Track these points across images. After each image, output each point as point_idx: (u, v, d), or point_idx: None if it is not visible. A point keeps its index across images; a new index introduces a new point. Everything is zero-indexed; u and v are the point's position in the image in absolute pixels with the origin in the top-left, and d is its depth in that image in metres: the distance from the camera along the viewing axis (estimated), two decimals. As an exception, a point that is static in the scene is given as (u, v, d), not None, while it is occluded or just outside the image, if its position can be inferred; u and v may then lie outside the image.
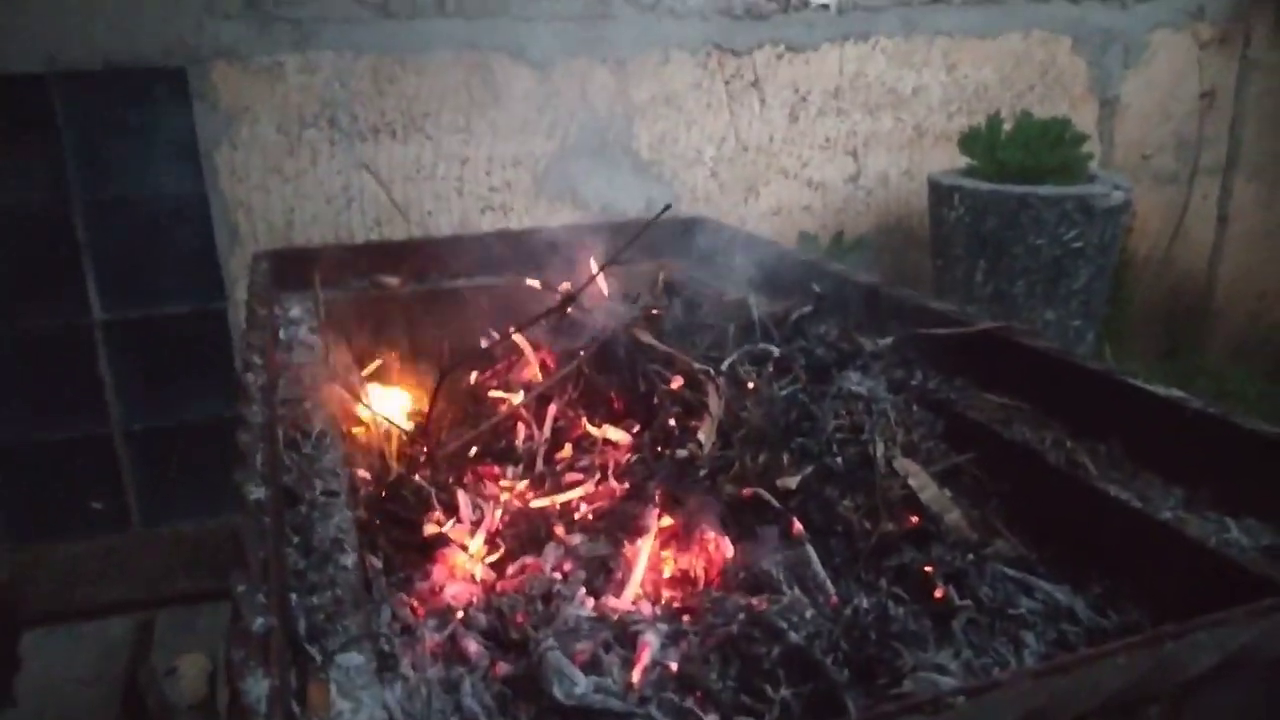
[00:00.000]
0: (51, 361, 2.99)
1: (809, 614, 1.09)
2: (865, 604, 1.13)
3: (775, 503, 1.27)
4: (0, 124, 2.84)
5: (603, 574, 1.24)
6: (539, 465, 1.51)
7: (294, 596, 0.96)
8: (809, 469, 1.31)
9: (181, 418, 3.14)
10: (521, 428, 1.57)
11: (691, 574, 1.26)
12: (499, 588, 1.22)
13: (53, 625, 2.79)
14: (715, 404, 1.46)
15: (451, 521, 1.34)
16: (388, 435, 1.53)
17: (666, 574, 1.27)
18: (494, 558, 1.29)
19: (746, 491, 1.30)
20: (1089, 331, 3.36)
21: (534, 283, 1.83)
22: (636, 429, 1.52)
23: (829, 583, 1.17)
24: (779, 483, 1.30)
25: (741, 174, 3.56)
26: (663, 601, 1.20)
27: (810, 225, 3.64)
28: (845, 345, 1.60)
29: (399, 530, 1.31)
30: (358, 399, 1.56)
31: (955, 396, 1.45)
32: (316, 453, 1.25)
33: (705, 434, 1.41)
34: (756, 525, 1.27)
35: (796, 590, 1.15)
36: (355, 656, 0.86)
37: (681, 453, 1.38)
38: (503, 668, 1.06)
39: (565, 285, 1.77)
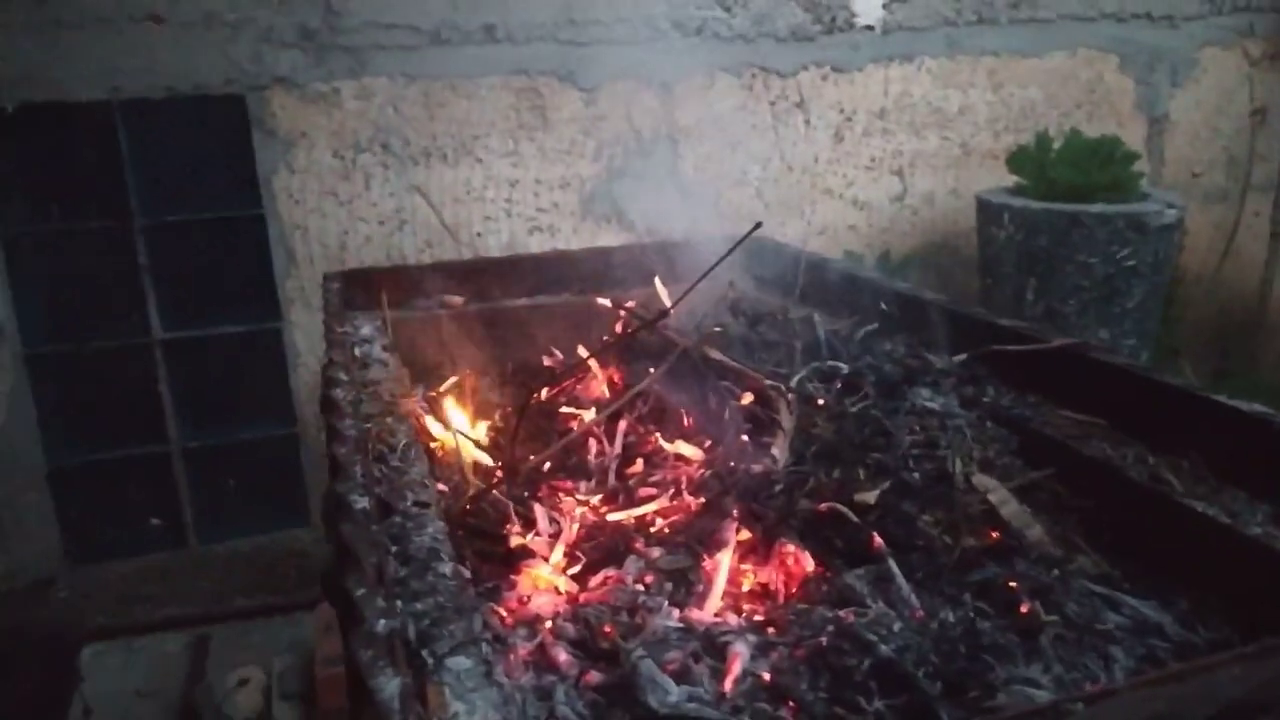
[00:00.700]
0: (112, 381, 3.06)
1: (896, 627, 1.10)
2: (951, 618, 1.13)
3: (854, 517, 1.28)
4: (66, 150, 2.92)
5: (684, 587, 1.25)
6: (611, 480, 1.53)
7: (399, 602, 0.98)
8: (886, 484, 1.32)
9: (237, 436, 3.19)
10: (593, 443, 1.59)
11: (772, 587, 1.26)
12: (584, 599, 1.23)
13: (110, 641, 2.83)
14: (788, 420, 1.47)
15: (531, 534, 1.36)
16: (461, 450, 1.55)
17: (746, 587, 1.27)
18: (575, 570, 1.31)
19: (823, 506, 1.31)
20: (1143, 350, 3.33)
21: (605, 301, 1.85)
22: (708, 444, 1.53)
23: (913, 596, 1.17)
24: (857, 498, 1.31)
25: (787, 194, 3.57)
26: (745, 614, 1.21)
27: (856, 245, 3.65)
28: (914, 362, 1.61)
29: (482, 542, 1.33)
30: (436, 416, 1.58)
31: (1029, 413, 1.45)
32: (404, 465, 1.27)
33: (779, 449, 1.42)
34: (836, 540, 1.28)
35: (881, 604, 1.16)
36: (464, 660, 0.88)
37: (756, 468, 1.40)
38: (594, 677, 1.07)
39: (631, 303, 1.79)
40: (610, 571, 1.29)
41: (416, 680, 0.83)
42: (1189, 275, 3.94)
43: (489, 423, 1.74)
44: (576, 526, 1.40)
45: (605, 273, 2.20)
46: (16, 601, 2.97)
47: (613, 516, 1.42)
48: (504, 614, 1.18)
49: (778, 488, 1.36)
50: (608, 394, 1.70)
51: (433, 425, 1.59)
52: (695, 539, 1.33)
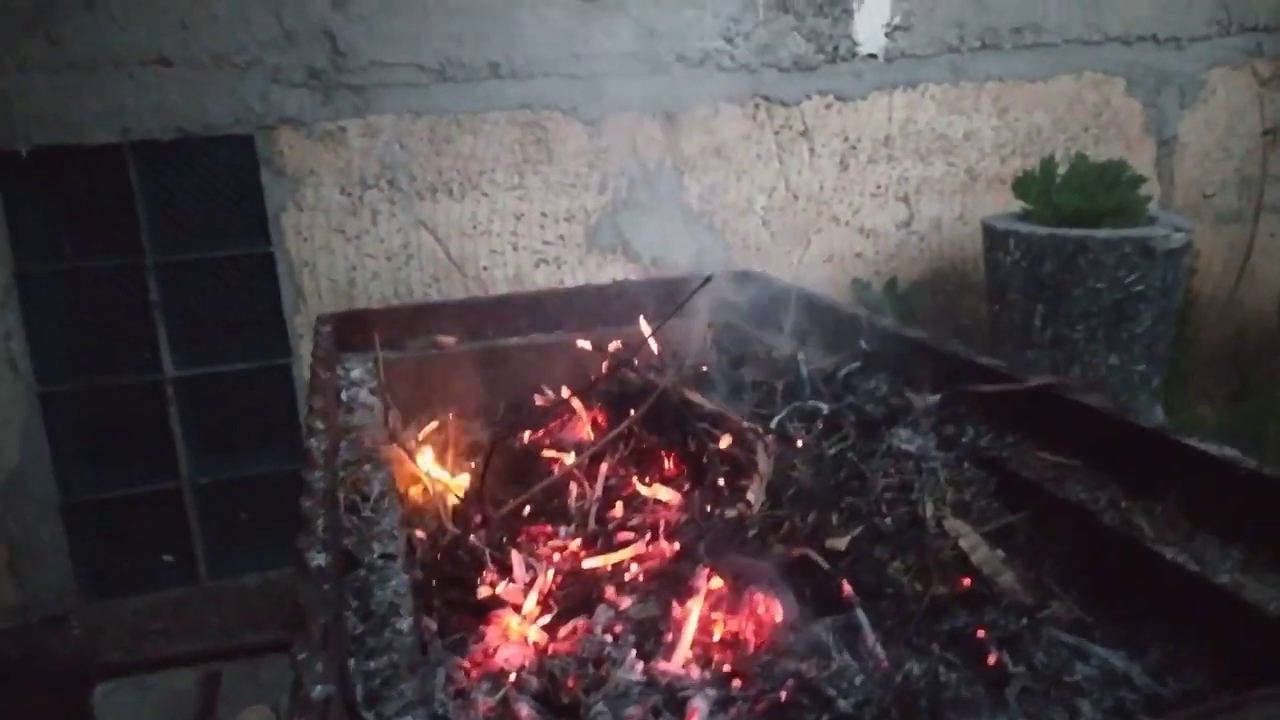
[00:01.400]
0: (124, 418, 3.11)
1: (858, 680, 1.09)
2: (917, 669, 1.12)
3: (824, 564, 1.28)
4: (79, 191, 2.98)
5: (653, 636, 1.25)
6: (591, 524, 1.53)
7: (352, 661, 0.98)
8: (858, 529, 1.32)
9: (247, 471, 3.22)
10: (574, 486, 1.60)
11: (742, 636, 1.26)
12: (551, 650, 1.24)
13: (122, 677, 2.86)
14: (764, 463, 1.47)
15: (505, 582, 1.37)
16: (443, 496, 1.57)
17: (716, 636, 1.27)
18: (546, 619, 1.31)
19: (796, 552, 1.31)
20: (1154, 376, 3.29)
21: (585, 343, 1.86)
22: (687, 488, 1.53)
23: (879, 647, 1.16)
24: (828, 543, 1.30)
25: (793, 222, 3.58)
26: (713, 664, 1.21)
27: (863, 272, 3.64)
28: (895, 401, 1.60)
29: (455, 591, 1.34)
30: (413, 461, 1.60)
31: (1007, 454, 1.44)
32: (376, 515, 1.29)
33: (754, 493, 1.42)
34: (806, 587, 1.27)
35: (846, 655, 1.15)
36: (410, 723, 0.88)
37: (730, 513, 1.40)
38: (554, 732, 1.07)
39: (615, 344, 1.80)
40: (580, 620, 1.29)
41: (356, 745, 0.83)
42: (1203, 298, 3.90)
43: (474, 465, 1.75)
44: (552, 573, 1.40)
45: (599, 310, 2.21)
46: (31, 636, 3.02)
47: (589, 563, 1.42)
48: (469, 667, 1.19)
49: (751, 533, 1.36)
50: (591, 436, 1.71)
51: (413, 470, 1.60)
52: (667, 586, 1.33)
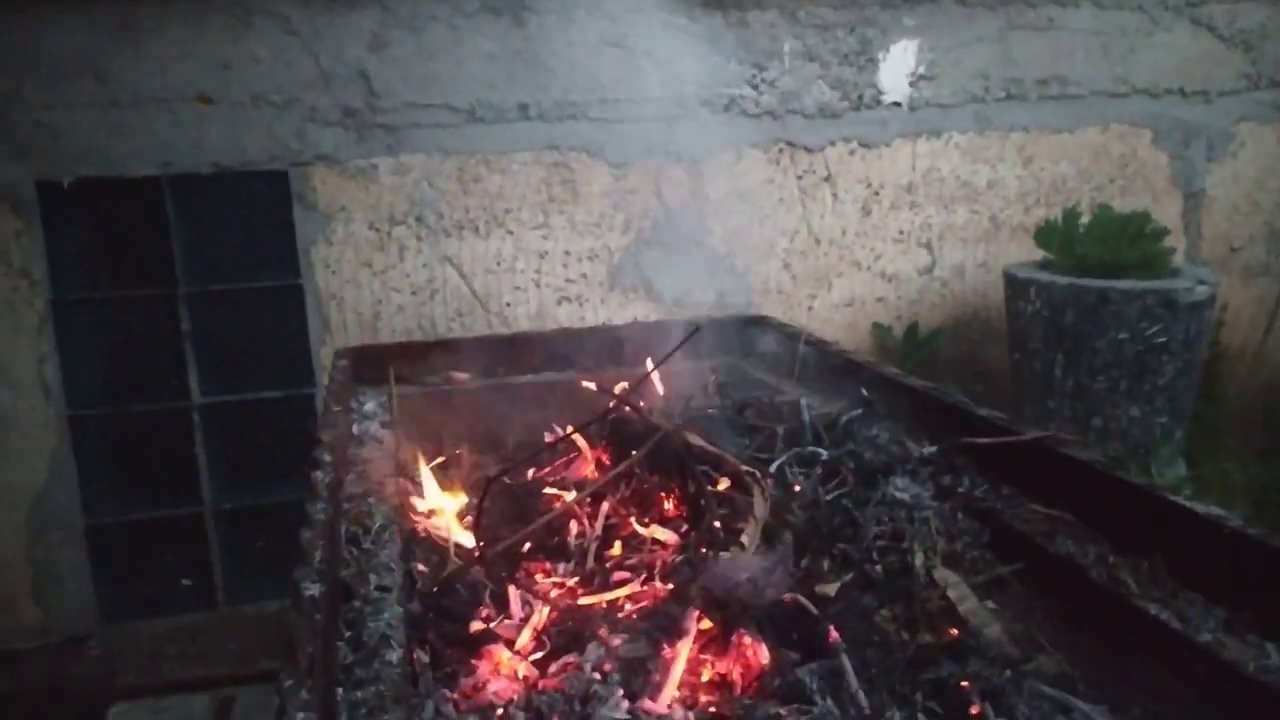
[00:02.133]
0: (150, 443, 3.18)
1: (838, 726, 1.10)
2: (898, 718, 1.13)
3: (813, 610, 1.29)
4: (118, 222, 3.08)
5: (641, 675, 1.27)
6: (590, 562, 1.55)
7: (340, 691, 1.01)
8: (848, 576, 1.33)
9: (268, 499, 3.28)
10: (574, 524, 1.62)
11: (729, 679, 1.27)
12: (540, 686, 1.25)
13: (138, 700, 2.91)
14: (760, 506, 1.49)
15: (501, 618, 1.39)
16: (446, 530, 1.60)
17: (704, 678, 1.28)
18: (539, 655, 1.33)
19: (786, 597, 1.32)
20: (1176, 429, 3.27)
21: (590, 384, 1.89)
22: (684, 529, 1.55)
23: (862, 694, 1.17)
24: (817, 589, 1.31)
25: (814, 266, 3.61)
26: (698, 707, 1.22)
27: (884, 317, 3.65)
28: (895, 449, 1.62)
29: (450, 625, 1.36)
30: (419, 495, 1.63)
31: (1001, 505, 1.45)
32: (375, 548, 1.32)
33: (749, 537, 1.44)
34: (794, 632, 1.29)
35: (829, 702, 1.16)
36: (390, 754, 0.91)
37: (725, 555, 1.41)
38: (536, 768, 1.09)
39: (621, 385, 1.83)
40: (571, 657, 1.31)
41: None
42: (1230, 352, 3.86)
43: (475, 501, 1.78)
44: (548, 610, 1.42)
45: (613, 350, 2.25)
46: (52, 656, 3.07)
47: (584, 600, 1.45)
48: (458, 700, 1.21)
49: (744, 576, 1.37)
50: (595, 474, 1.74)
51: (417, 504, 1.63)
52: (658, 626, 1.35)
